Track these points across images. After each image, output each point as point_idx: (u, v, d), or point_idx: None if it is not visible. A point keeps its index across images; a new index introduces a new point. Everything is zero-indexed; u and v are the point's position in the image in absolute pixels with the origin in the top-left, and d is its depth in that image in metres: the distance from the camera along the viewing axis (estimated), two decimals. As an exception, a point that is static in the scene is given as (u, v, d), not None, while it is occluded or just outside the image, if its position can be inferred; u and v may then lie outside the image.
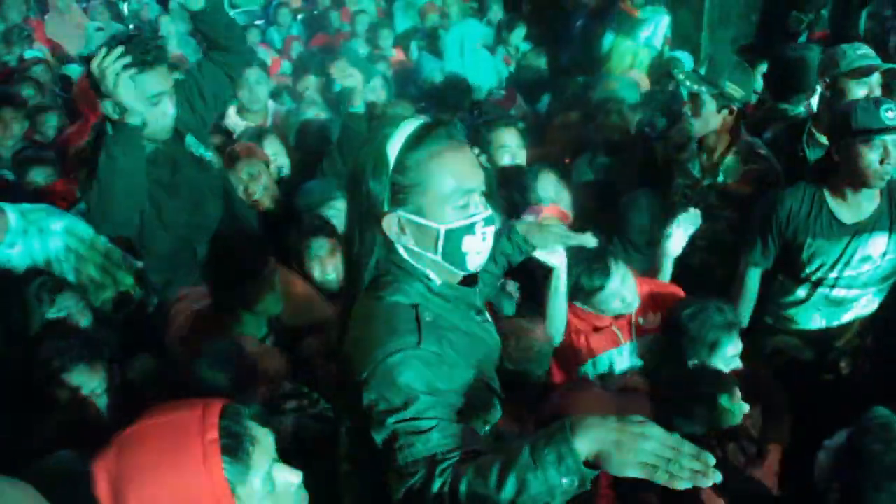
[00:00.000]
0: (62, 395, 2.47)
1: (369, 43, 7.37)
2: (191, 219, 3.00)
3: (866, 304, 3.10)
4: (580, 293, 2.83)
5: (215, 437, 1.29)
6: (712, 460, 1.26)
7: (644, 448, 1.26)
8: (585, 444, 1.30)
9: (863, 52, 3.47)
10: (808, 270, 3.04)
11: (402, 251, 1.69)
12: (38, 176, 4.24)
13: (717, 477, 1.24)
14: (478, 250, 1.69)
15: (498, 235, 1.93)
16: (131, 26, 8.95)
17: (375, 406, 1.53)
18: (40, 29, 7.76)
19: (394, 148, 1.62)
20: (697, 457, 1.25)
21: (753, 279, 3.17)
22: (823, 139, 3.40)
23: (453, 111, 5.09)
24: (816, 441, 2.37)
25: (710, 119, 3.26)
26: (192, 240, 2.97)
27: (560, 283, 2.68)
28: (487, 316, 1.87)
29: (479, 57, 6.57)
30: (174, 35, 7.89)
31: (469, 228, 1.66)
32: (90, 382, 2.49)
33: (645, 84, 5.58)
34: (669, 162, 3.63)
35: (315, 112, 4.91)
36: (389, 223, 1.65)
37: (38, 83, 5.66)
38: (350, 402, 1.63)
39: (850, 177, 2.89)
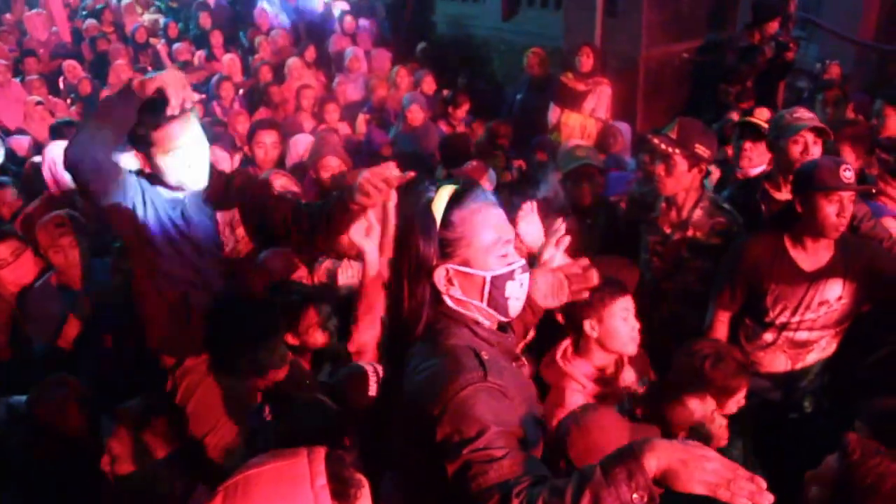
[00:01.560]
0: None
1: (315, 117, 7.51)
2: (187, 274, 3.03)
3: (826, 345, 3.34)
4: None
5: (325, 482, 1.37)
6: (764, 483, 1.39)
7: (708, 467, 1.40)
8: (654, 461, 1.42)
9: (798, 115, 3.79)
10: (772, 315, 3.26)
11: (448, 301, 1.85)
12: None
13: (770, 498, 1.37)
14: (517, 296, 1.87)
15: None
16: (68, 100, 8.92)
17: (450, 439, 1.62)
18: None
19: (438, 208, 1.80)
20: (752, 479, 1.39)
21: (722, 323, 3.38)
22: (778, 195, 3.70)
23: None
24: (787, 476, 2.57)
25: (682, 178, 3.49)
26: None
27: None
28: (524, 361, 1.99)
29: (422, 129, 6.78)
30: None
31: (510, 275, 1.84)
32: None
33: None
34: (634, 223, 3.84)
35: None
36: (439, 275, 1.81)
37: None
38: (417, 442, 1.72)
39: (810, 227, 3.16)
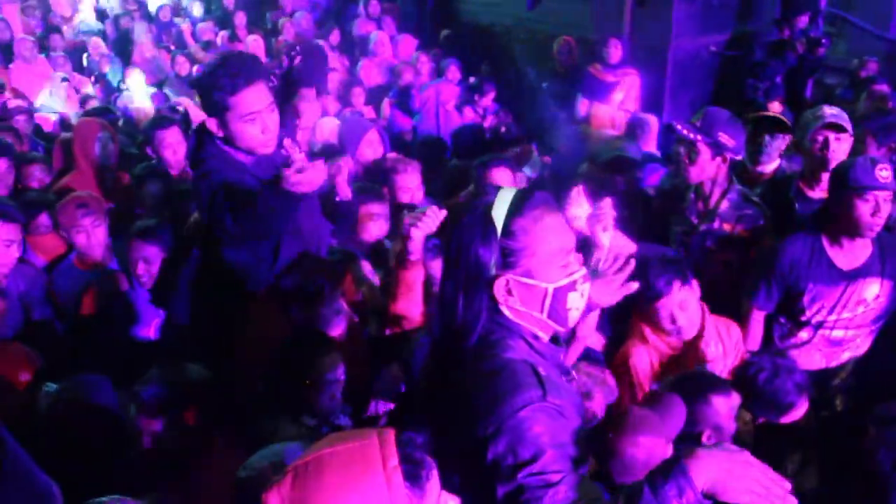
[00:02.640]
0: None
1: (341, 100, 7.50)
2: (308, 223, 3.10)
3: (860, 343, 3.34)
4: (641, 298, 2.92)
5: (396, 463, 1.35)
6: (788, 485, 1.45)
7: (752, 475, 1.43)
8: (702, 475, 1.44)
9: (819, 113, 3.76)
10: (808, 314, 3.26)
11: (506, 311, 1.77)
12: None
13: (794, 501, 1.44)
14: (578, 306, 1.81)
15: None
16: (92, 77, 8.93)
17: (503, 460, 1.59)
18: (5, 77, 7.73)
19: (498, 215, 1.72)
20: (780, 483, 1.45)
21: (757, 322, 3.38)
22: (811, 193, 3.68)
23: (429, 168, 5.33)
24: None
25: (706, 166, 3.48)
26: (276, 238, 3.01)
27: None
28: (573, 374, 1.97)
29: (450, 116, 6.77)
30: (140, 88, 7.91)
31: (573, 286, 1.77)
32: None
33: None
34: (666, 213, 3.84)
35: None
36: (499, 286, 1.74)
37: (17, 132, 5.62)
38: (465, 455, 1.68)
39: (846, 227, 3.15)
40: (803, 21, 7.23)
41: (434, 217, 2.77)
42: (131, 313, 3.75)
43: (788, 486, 1.46)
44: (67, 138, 5.32)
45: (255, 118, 2.82)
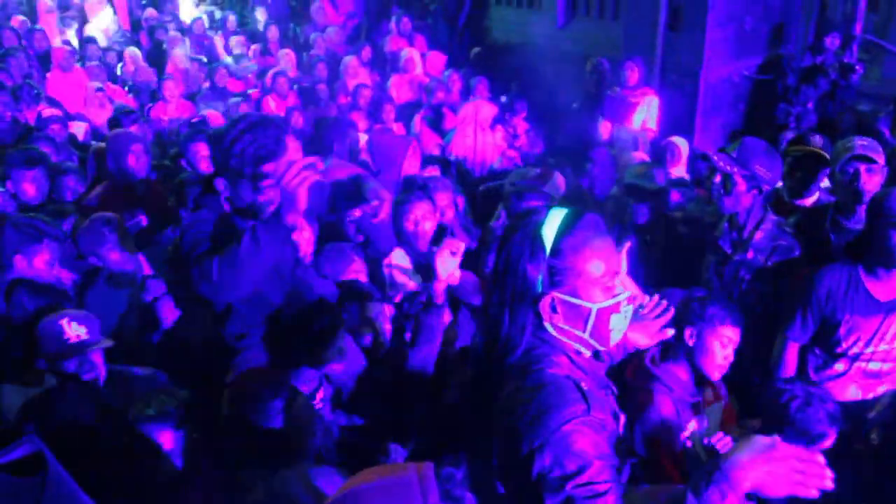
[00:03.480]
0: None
1: (371, 117, 7.54)
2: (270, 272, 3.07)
3: (897, 376, 3.30)
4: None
5: (437, 500, 1.36)
6: (823, 459, 1.51)
7: (790, 467, 1.49)
8: (743, 478, 1.49)
9: (850, 144, 3.72)
10: (845, 345, 3.22)
11: (550, 328, 1.82)
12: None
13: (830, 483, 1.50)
14: (620, 328, 1.85)
15: None
16: (126, 87, 9.04)
17: (549, 472, 1.62)
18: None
19: (548, 234, 1.77)
20: (813, 459, 1.51)
21: (791, 353, 3.34)
22: (848, 224, 3.65)
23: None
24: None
25: (741, 198, 3.46)
26: (268, 292, 3.02)
27: None
28: (613, 388, 1.98)
29: (485, 136, 6.78)
30: (173, 99, 8.00)
31: (616, 307, 1.81)
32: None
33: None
34: (695, 241, 3.81)
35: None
36: (545, 303, 1.78)
37: (54, 141, 5.69)
38: (510, 469, 1.72)
39: (883, 257, 3.11)
40: (837, 46, 7.21)
41: (457, 255, 2.83)
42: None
43: (823, 460, 1.52)
44: (101, 148, 5.38)
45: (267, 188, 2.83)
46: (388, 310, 3.50)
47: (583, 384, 1.74)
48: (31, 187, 4.63)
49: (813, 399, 2.83)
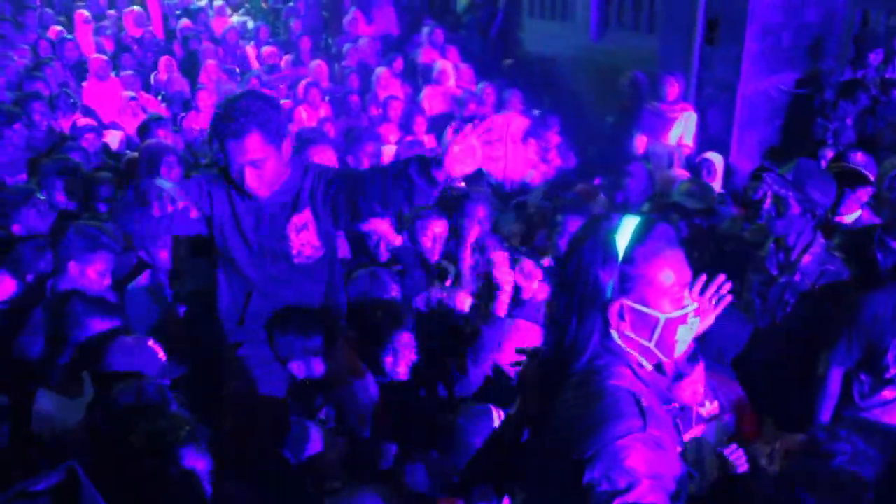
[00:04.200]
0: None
1: (402, 128, 7.52)
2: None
3: (947, 404, 3.18)
4: None
5: None
6: None
7: None
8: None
9: None
10: (893, 371, 3.12)
11: (616, 336, 1.80)
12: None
13: None
14: (685, 339, 1.84)
15: None
16: (159, 97, 9.10)
17: (597, 485, 1.60)
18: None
19: (621, 240, 1.75)
20: None
21: (835, 379, 3.25)
22: (894, 244, 3.53)
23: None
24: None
25: (794, 221, 3.39)
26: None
27: None
28: (675, 403, 1.94)
29: (517, 150, 6.72)
30: (206, 109, 8.03)
31: (683, 318, 1.81)
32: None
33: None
34: (741, 261, 3.73)
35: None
36: (614, 310, 1.77)
37: (85, 151, 5.72)
38: (558, 475, 1.73)
39: (933, 281, 3.02)
40: (877, 61, 7.06)
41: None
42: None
43: None
44: (135, 158, 5.40)
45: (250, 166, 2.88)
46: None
47: (643, 399, 1.71)
48: (63, 196, 4.65)
49: (859, 458, 2.71)
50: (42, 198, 4.46)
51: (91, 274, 3.53)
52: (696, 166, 6.33)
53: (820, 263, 3.45)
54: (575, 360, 1.81)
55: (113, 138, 7.08)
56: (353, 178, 3.01)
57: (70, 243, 3.53)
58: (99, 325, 3.13)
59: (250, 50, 10.55)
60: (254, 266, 3.11)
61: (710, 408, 3.14)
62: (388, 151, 6.06)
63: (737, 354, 3.52)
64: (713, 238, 4.26)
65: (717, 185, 6.16)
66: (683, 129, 6.69)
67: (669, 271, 1.77)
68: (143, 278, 4.00)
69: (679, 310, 1.79)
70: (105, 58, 8.63)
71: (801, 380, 3.35)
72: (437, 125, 7.79)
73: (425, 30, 9.97)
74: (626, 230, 1.78)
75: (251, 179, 2.88)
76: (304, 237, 3.09)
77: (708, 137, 6.88)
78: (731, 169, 6.86)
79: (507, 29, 10.50)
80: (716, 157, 6.26)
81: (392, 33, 10.77)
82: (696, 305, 1.85)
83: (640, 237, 1.76)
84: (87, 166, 5.41)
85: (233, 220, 3.05)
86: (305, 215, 3.07)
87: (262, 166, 2.87)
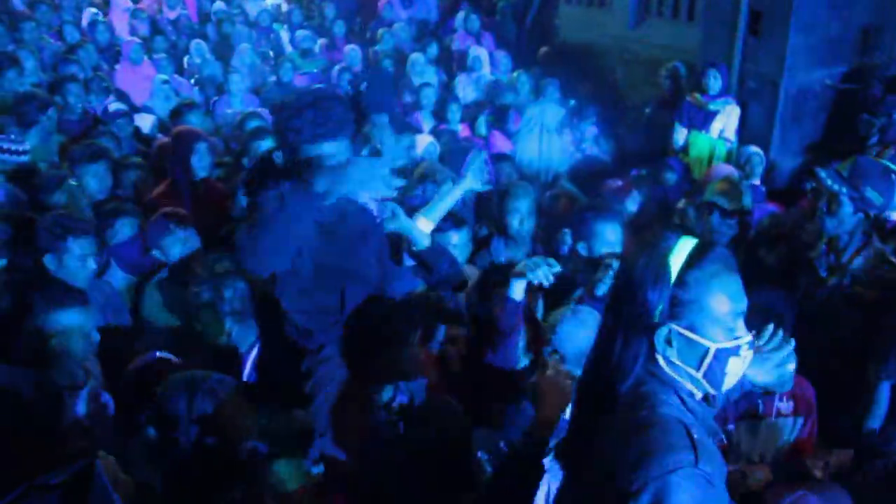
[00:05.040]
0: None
1: (436, 116, 7.41)
2: (343, 263, 2.88)
3: None
4: None
5: None
6: None
7: None
8: None
9: None
10: (946, 388, 2.98)
11: (662, 362, 1.70)
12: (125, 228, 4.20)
13: None
14: (736, 372, 1.74)
15: None
16: (192, 80, 9.06)
17: None
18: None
19: (675, 263, 1.66)
20: None
21: (884, 392, 3.11)
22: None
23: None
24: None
25: (846, 220, 3.25)
26: (340, 285, 2.88)
27: None
28: (722, 436, 1.83)
29: (552, 140, 6.60)
30: (239, 93, 7.98)
31: (736, 350, 1.70)
32: None
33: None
34: (791, 261, 3.60)
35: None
36: (661, 334, 1.68)
37: (116, 137, 5.68)
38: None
39: None
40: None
41: None
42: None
43: None
44: (166, 144, 5.36)
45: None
46: None
47: (693, 431, 1.61)
48: (93, 182, 4.61)
49: None
50: (74, 184, 4.43)
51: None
52: (736, 161, 6.16)
53: (872, 267, 3.30)
54: (619, 384, 1.71)
55: (144, 122, 7.05)
56: None
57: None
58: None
59: (284, 33, 10.47)
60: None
61: (786, 405, 3.04)
62: (422, 141, 5.95)
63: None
64: (751, 241, 4.10)
65: (755, 181, 6.01)
66: (725, 122, 6.51)
67: (724, 298, 1.67)
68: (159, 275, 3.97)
69: (732, 340, 1.68)
70: (138, 41, 8.60)
71: (847, 390, 3.21)
72: (471, 113, 7.68)
73: (460, 15, 9.84)
74: (681, 252, 1.68)
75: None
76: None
77: (749, 132, 6.69)
78: (772, 165, 6.69)
79: (544, 16, 10.35)
80: (756, 153, 6.09)
81: (428, 19, 10.65)
82: (750, 338, 1.73)
83: (695, 261, 1.67)
84: (117, 152, 5.39)
85: None
86: None
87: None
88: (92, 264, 3.56)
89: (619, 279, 1.78)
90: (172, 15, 10.59)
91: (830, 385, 3.25)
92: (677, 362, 1.69)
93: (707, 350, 1.67)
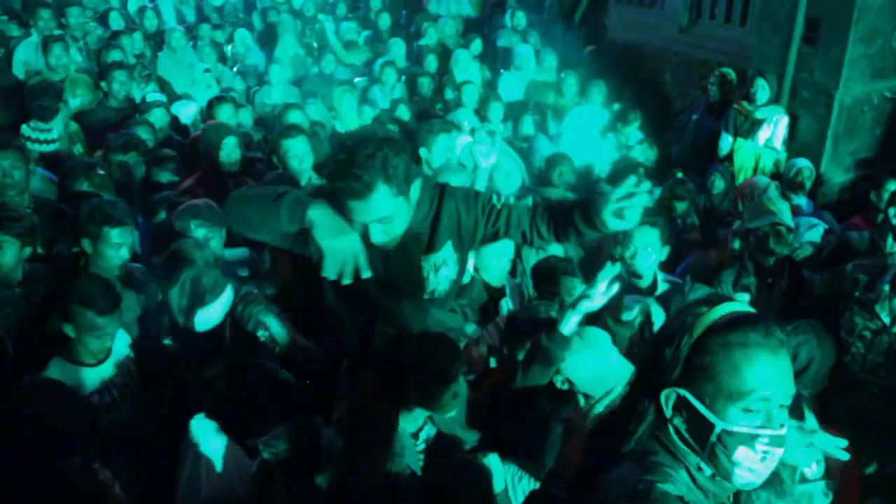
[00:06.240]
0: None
1: (477, 114, 7.25)
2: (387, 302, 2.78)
3: None
4: None
5: None
6: None
7: None
8: None
9: None
10: None
11: (672, 431, 1.53)
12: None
13: None
14: (751, 468, 1.48)
15: None
16: (234, 68, 9.03)
17: None
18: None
19: (704, 324, 1.48)
20: None
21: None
22: None
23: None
24: None
25: None
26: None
27: None
28: None
29: (596, 143, 6.42)
30: (279, 83, 7.92)
31: (749, 440, 1.45)
32: None
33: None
34: (841, 297, 3.33)
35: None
36: (664, 397, 1.51)
37: (153, 127, 5.63)
38: None
39: None
40: None
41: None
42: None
43: None
44: (198, 137, 5.30)
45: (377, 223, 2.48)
46: None
47: None
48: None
49: None
50: (102, 172, 4.39)
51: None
52: (783, 174, 5.94)
53: None
54: (621, 444, 1.56)
55: (184, 110, 7.01)
56: (517, 210, 2.66)
57: None
58: None
59: (329, 25, 10.38)
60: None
61: (814, 469, 2.77)
62: (462, 141, 5.80)
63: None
64: (794, 265, 3.88)
65: (803, 197, 5.78)
66: (773, 132, 6.28)
67: (746, 375, 1.44)
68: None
69: (745, 427, 1.45)
70: (181, 29, 8.58)
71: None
72: (514, 113, 7.51)
73: (507, 12, 9.66)
74: (714, 315, 1.50)
75: (378, 236, 2.48)
76: (443, 273, 2.73)
77: (799, 144, 6.45)
78: (822, 179, 6.44)
79: (592, 15, 10.12)
80: (806, 166, 5.85)
81: (473, 14, 10.49)
82: (778, 432, 1.46)
83: (724, 325, 1.47)
84: (152, 142, 5.34)
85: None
86: (445, 252, 2.71)
87: (390, 222, 2.48)
88: (125, 253, 3.56)
89: (655, 335, 1.66)
90: (218, 2, 10.57)
91: (875, 432, 3.05)
92: (685, 435, 1.51)
93: (713, 429, 1.46)
